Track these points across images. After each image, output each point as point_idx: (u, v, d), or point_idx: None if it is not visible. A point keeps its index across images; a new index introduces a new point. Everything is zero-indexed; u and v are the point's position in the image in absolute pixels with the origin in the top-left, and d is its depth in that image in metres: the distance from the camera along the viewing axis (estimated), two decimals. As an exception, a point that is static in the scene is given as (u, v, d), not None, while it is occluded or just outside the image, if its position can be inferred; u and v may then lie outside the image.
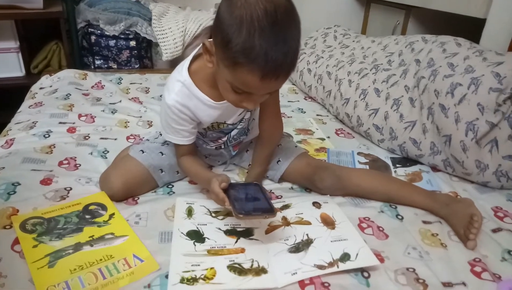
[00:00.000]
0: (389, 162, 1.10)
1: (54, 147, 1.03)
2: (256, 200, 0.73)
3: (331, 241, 0.75)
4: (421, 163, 1.10)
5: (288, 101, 1.53)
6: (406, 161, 1.11)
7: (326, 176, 0.90)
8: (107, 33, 1.76)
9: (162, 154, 0.93)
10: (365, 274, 0.68)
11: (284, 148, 0.99)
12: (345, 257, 0.70)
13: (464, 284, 0.68)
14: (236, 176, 1.00)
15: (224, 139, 0.93)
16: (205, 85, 0.80)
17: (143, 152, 0.91)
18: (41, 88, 1.44)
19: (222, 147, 0.96)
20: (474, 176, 0.98)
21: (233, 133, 0.92)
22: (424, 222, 0.84)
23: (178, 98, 0.80)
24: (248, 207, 0.71)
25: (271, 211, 0.70)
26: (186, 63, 0.82)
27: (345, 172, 0.93)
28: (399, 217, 0.85)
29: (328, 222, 0.80)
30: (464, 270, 0.71)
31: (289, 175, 0.96)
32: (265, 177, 0.99)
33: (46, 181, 0.89)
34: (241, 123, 0.91)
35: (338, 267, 0.68)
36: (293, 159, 0.96)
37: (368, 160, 1.09)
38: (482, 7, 1.34)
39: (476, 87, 0.96)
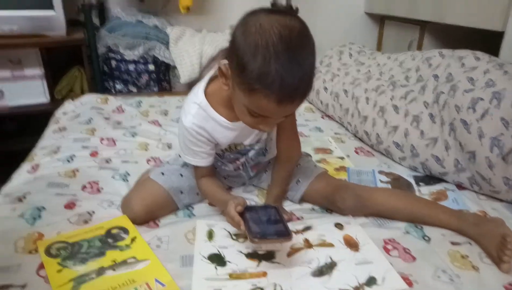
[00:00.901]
0: (412, 181, 1.07)
1: (78, 171, 1.06)
2: (273, 223, 0.72)
3: (356, 264, 0.73)
4: (446, 181, 1.07)
5: (305, 120, 1.53)
6: (430, 179, 1.09)
7: (347, 196, 0.89)
8: (127, 58, 1.82)
9: (182, 176, 0.93)
10: (393, 299, 0.66)
11: (303, 168, 0.98)
12: (371, 281, 0.68)
13: (499, 309, 0.65)
14: (255, 197, 1.00)
15: (242, 160, 0.93)
16: (221, 107, 0.81)
17: (163, 174, 0.92)
18: (64, 113, 1.49)
19: (241, 168, 0.96)
20: (503, 194, 0.95)
21: (250, 154, 0.92)
22: (453, 243, 0.80)
23: (195, 120, 0.81)
24: (264, 230, 0.70)
25: (287, 235, 0.69)
26: (202, 85, 0.83)
27: (366, 192, 0.91)
28: (426, 238, 0.82)
29: (352, 244, 0.78)
30: (499, 295, 0.68)
31: (309, 195, 0.95)
32: (284, 197, 0.98)
33: (70, 205, 0.91)
34: (258, 144, 0.91)
35: (364, 291, 0.66)
36: (313, 179, 0.95)
37: (389, 179, 1.07)
38: (499, 20, 1.33)
39: (499, 101, 0.94)
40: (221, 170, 0.98)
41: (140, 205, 0.86)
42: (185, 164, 0.95)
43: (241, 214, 0.73)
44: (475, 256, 0.77)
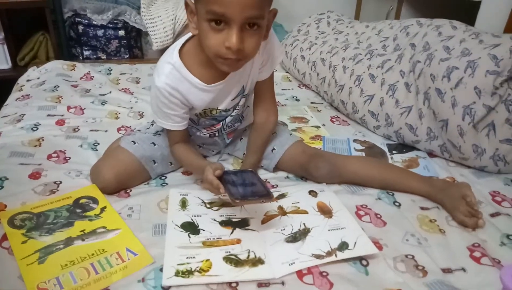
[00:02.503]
0: (385, 149, 1.08)
1: (43, 140, 1.01)
2: (252, 185, 0.71)
3: (329, 230, 0.73)
4: (418, 149, 1.09)
5: (282, 89, 1.51)
6: (403, 147, 1.10)
7: (321, 164, 0.89)
8: (95, 23, 1.72)
9: (154, 145, 0.91)
10: (364, 262, 0.67)
11: (278, 136, 0.97)
12: (343, 245, 0.69)
13: (463, 269, 0.67)
14: (230, 166, 0.98)
15: (218, 126, 0.91)
16: (197, 67, 0.78)
17: (134, 143, 0.89)
18: (28, 80, 1.40)
19: (216, 134, 0.94)
20: (471, 161, 0.97)
21: (227, 120, 0.90)
22: (422, 208, 0.83)
23: (168, 80, 0.78)
24: (244, 192, 0.69)
25: (267, 195, 0.68)
26: (177, 45, 0.79)
27: (341, 160, 0.91)
28: (397, 204, 0.84)
29: (325, 211, 0.79)
30: (463, 256, 0.70)
31: (284, 163, 0.95)
32: (259, 166, 0.97)
33: (34, 175, 0.87)
34: (235, 110, 0.89)
35: (336, 256, 0.67)
36: (288, 147, 0.94)
37: (364, 147, 1.08)
38: (476, -11, 1.32)
39: (473, 70, 0.95)
40: (196, 138, 0.96)
41: (110, 173, 0.83)
42: (158, 133, 0.92)
43: (219, 179, 0.71)
44: (442, 220, 0.79)
